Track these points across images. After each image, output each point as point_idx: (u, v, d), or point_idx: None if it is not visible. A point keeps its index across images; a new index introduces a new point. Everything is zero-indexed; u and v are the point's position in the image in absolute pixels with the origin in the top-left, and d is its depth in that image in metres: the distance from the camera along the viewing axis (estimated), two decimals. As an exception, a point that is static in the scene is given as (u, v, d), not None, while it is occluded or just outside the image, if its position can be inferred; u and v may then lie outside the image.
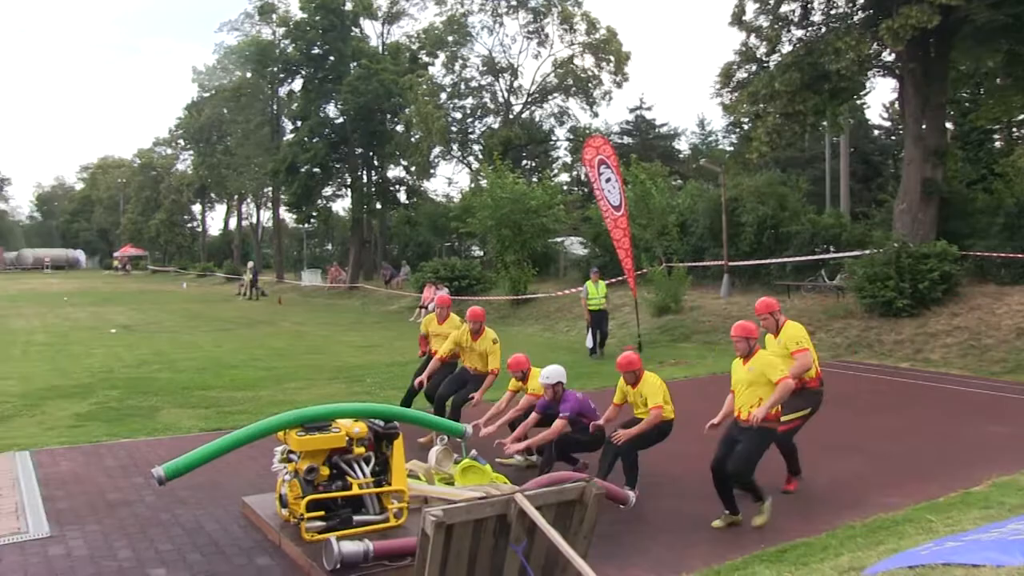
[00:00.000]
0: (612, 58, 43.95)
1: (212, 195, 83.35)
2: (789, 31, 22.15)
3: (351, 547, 6.18)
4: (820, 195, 34.34)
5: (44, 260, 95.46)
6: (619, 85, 45.13)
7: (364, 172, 51.10)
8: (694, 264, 26.62)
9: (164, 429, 11.56)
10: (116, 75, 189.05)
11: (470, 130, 48.05)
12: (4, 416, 12.84)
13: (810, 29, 21.99)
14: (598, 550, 6.04)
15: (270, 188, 60.92)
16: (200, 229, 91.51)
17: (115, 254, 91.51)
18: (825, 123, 25.44)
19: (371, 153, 49.98)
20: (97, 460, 9.93)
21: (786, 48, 22.14)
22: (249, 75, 58.45)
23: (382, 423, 7.30)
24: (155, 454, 8.56)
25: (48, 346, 22.43)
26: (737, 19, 22.74)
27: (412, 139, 45.99)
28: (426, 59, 48.81)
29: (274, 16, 54.43)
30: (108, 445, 10.74)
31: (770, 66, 22.17)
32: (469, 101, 47.54)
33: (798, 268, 25.33)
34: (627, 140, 53.48)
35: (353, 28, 49.85)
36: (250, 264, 49.72)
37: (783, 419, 7.72)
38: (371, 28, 52.16)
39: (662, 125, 56.02)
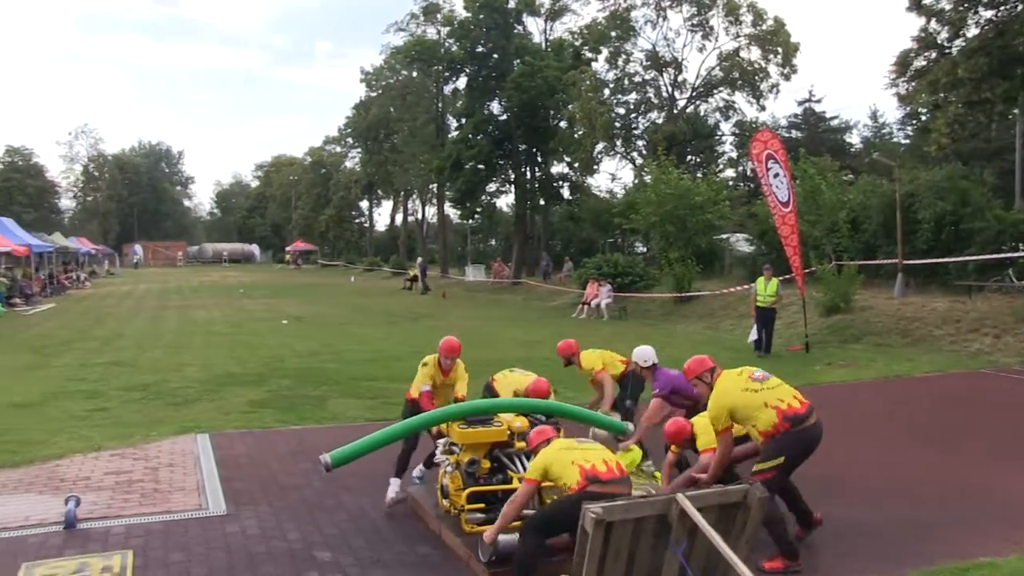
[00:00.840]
0: (780, 50, 42.66)
1: (379, 191, 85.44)
2: (976, 13, 20.85)
3: (508, 539, 6.20)
4: (1007, 190, 32.36)
5: (222, 254, 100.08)
6: (787, 77, 43.79)
7: (527, 168, 51.41)
8: (866, 262, 25.60)
9: (332, 418, 12.00)
10: (288, 77, 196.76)
11: (634, 125, 47.65)
12: (187, 400, 13.70)
13: (1002, 8, 20.63)
14: (755, 555, 5.88)
15: (435, 184, 62.01)
16: (367, 225, 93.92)
17: (287, 248, 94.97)
18: (1016, 111, 23.92)
19: (534, 149, 50.21)
20: (269, 445, 10.44)
21: (972, 32, 20.85)
22: (415, 74, 59.80)
23: (544, 418, 7.37)
24: (323, 441, 8.85)
25: (226, 336, 23.57)
26: (916, 4, 21.61)
27: (575, 135, 45.94)
28: (589, 55, 48.60)
29: (438, 16, 55.44)
30: (279, 431, 11.29)
31: (952, 52, 20.99)
32: (632, 96, 47.13)
33: (981, 267, 23.94)
34: (795, 134, 51.92)
35: (516, 25, 50.22)
36: (418, 260, 50.90)
37: (755, 468, 6.48)
38: (534, 25, 52.51)
39: (832, 118, 54.15)
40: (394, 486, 7.95)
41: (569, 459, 5.96)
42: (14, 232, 41.66)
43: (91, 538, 7.01)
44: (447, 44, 53.88)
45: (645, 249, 43.79)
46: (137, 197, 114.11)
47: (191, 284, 54.26)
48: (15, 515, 7.58)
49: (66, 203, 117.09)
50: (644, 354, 9.32)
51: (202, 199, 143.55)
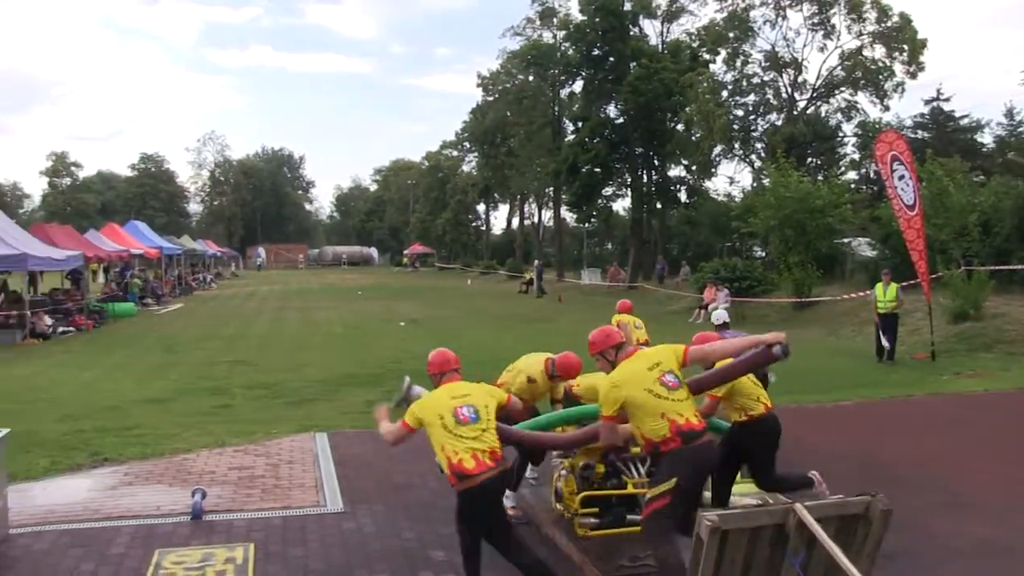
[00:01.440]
0: (905, 47, 41.25)
1: (496, 195, 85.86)
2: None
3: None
4: None
5: (341, 256, 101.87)
6: (913, 76, 42.27)
7: (644, 171, 51.15)
8: (998, 268, 24.62)
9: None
10: (406, 83, 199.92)
11: (752, 128, 46.85)
12: (307, 399, 14.18)
13: None
14: (878, 571, 5.67)
15: (551, 188, 62.14)
16: (484, 228, 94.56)
17: (405, 251, 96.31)
18: None
19: (651, 152, 49.93)
20: (385, 445, 10.52)
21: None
22: (531, 78, 59.98)
23: None
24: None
25: (344, 337, 24.14)
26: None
27: (693, 138, 45.50)
28: (706, 56, 48.04)
29: (554, 20, 55.63)
30: None
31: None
32: (751, 98, 46.36)
33: None
34: (922, 134, 50.03)
35: (632, 28, 50.05)
36: (535, 263, 51.09)
37: (648, 496, 5.75)
38: (650, 27, 52.21)
39: (962, 117, 51.92)
40: (510, 500, 7.77)
41: (658, 409, 5.55)
42: (147, 235, 43.59)
43: (215, 530, 7.33)
44: (563, 48, 54.09)
45: (763, 253, 43.05)
46: (260, 201, 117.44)
47: (311, 286, 55.63)
48: (148, 504, 8.03)
49: (194, 207, 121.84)
50: (719, 315, 11.10)
51: (322, 203, 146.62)
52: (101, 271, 39.52)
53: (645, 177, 51.24)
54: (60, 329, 25.86)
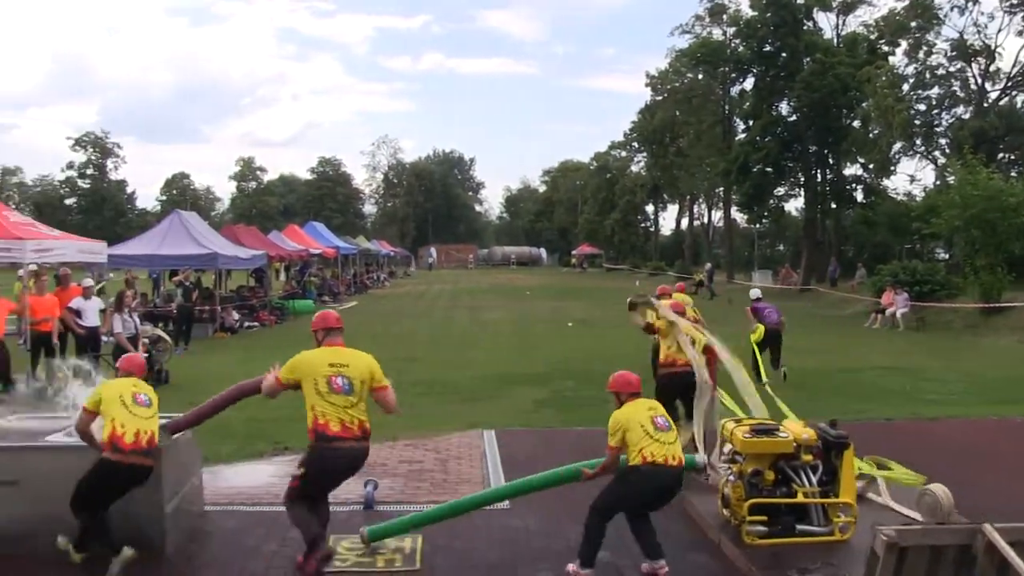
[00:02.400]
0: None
1: (664, 195, 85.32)
2: None
3: None
4: None
5: (510, 257, 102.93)
6: None
7: (818, 170, 49.58)
8: None
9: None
10: (574, 84, 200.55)
11: (935, 122, 44.25)
12: (476, 397, 14.42)
13: None
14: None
15: (721, 188, 61.12)
16: (652, 229, 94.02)
17: (573, 252, 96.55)
18: None
19: (826, 151, 48.34)
20: (551, 443, 10.67)
21: None
22: (700, 76, 59.13)
23: (831, 430, 7.06)
24: (600, 443, 8.74)
25: (512, 336, 24.30)
26: None
27: (870, 135, 43.68)
28: (885, 48, 46.05)
29: (724, 16, 54.64)
30: (562, 431, 11.55)
31: None
32: (935, 91, 43.69)
33: None
34: None
35: (806, 22, 48.54)
36: (707, 265, 50.36)
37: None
38: (825, 20, 50.53)
39: None
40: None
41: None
42: (324, 235, 45.16)
43: (386, 520, 7.45)
44: (733, 44, 53.03)
45: (947, 256, 40.98)
46: (432, 202, 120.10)
47: (480, 286, 56.38)
48: None
49: (369, 208, 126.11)
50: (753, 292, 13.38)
51: (492, 204, 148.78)
52: (282, 270, 41.10)
53: (819, 176, 49.68)
54: (246, 324, 27.16)
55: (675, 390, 9.77)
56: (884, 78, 40.92)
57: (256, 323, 27.92)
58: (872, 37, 47.62)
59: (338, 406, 6.21)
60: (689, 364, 9.26)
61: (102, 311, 15.68)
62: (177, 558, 6.74)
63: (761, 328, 16.36)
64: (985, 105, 41.34)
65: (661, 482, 6.31)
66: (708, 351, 9.62)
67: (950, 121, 43.27)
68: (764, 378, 14.18)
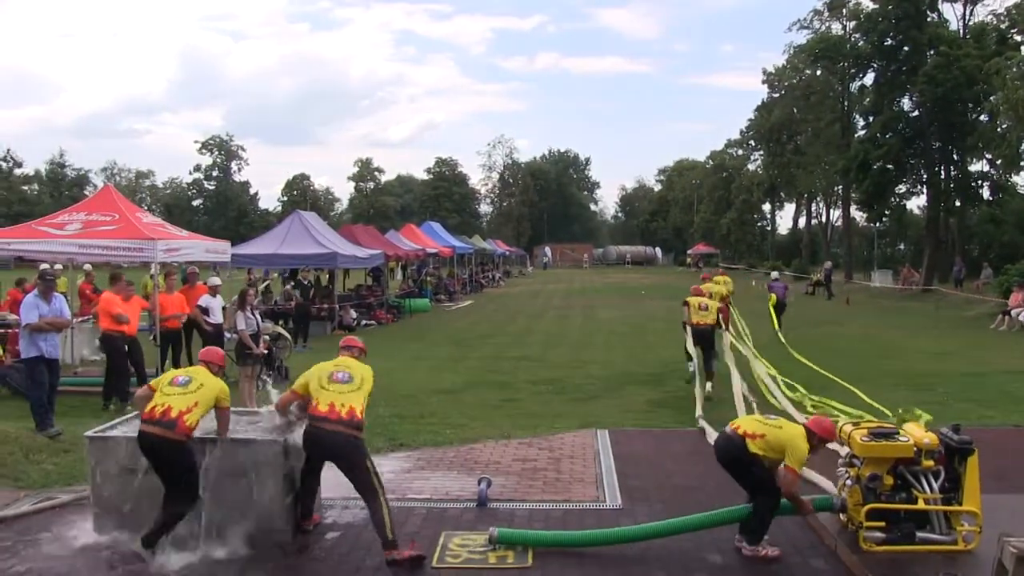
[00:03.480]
0: None
1: (781, 194, 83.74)
2: None
3: None
4: None
5: (625, 256, 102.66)
6: None
7: (941, 167, 47.93)
8: None
9: (723, 422, 11.90)
10: (689, 82, 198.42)
11: (1072, 115, 42.57)
12: (589, 396, 14.56)
13: None
14: None
15: (840, 186, 59.81)
16: (769, 228, 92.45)
17: (688, 251, 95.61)
18: None
19: (950, 147, 46.70)
20: (665, 444, 10.71)
21: None
22: (819, 72, 58.08)
23: (955, 435, 6.85)
24: (706, 444, 8.92)
25: (627, 336, 24.39)
26: None
27: (998, 129, 42.12)
28: (1017, 38, 44.26)
29: (844, 10, 53.42)
30: (676, 431, 11.54)
31: None
32: (1072, 81, 42.10)
33: None
34: None
35: (929, 13, 46.97)
36: (825, 264, 49.42)
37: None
38: (951, 11, 48.96)
39: None
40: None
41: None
42: (441, 235, 45.92)
43: (499, 517, 7.70)
44: (853, 39, 51.86)
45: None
46: (547, 202, 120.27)
47: (595, 285, 56.43)
48: (438, 489, 8.68)
49: (484, 208, 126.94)
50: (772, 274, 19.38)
51: (607, 203, 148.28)
52: (399, 269, 41.90)
53: (943, 173, 47.97)
54: (363, 322, 27.77)
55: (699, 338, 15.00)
56: (1015, 69, 39.34)
57: (373, 321, 28.52)
58: (1002, 27, 45.82)
59: (333, 392, 6.89)
60: (707, 322, 15.04)
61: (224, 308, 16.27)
62: (295, 549, 7.01)
63: (773, 297, 24.85)
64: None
65: None
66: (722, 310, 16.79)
67: (1087, 114, 41.38)
68: (776, 327, 22.98)
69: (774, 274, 33.25)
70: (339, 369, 7.13)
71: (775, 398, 12.96)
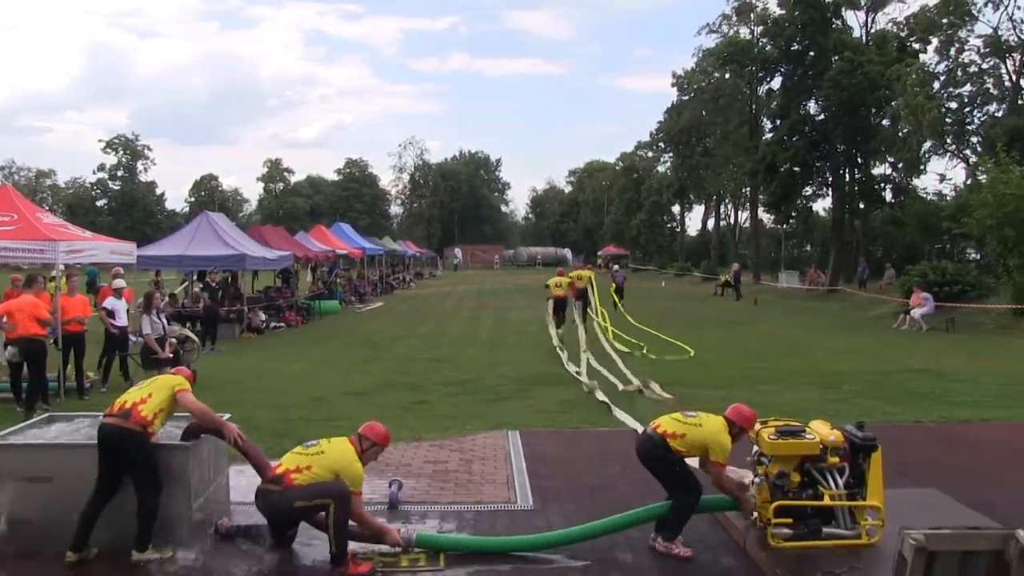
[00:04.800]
0: None
1: (691, 196, 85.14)
2: None
3: None
4: None
5: (536, 257, 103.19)
6: None
7: (846, 170, 49.05)
8: None
9: (641, 420, 11.65)
10: (600, 84, 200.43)
11: (967, 121, 43.64)
12: (501, 397, 14.32)
13: None
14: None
15: (748, 188, 60.84)
16: (679, 229, 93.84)
17: (598, 252, 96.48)
18: None
19: (854, 150, 47.81)
20: (577, 445, 10.57)
21: None
22: (727, 76, 58.92)
23: (859, 432, 6.93)
24: (629, 442, 8.71)
25: (538, 335, 24.13)
26: None
27: (900, 133, 43.14)
28: (916, 46, 45.51)
29: (752, 15, 54.38)
30: (588, 432, 11.42)
31: None
32: (967, 89, 43.05)
33: None
34: None
35: (834, 20, 48.05)
36: (734, 265, 50.14)
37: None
38: (854, 18, 50.04)
39: None
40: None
41: None
42: (351, 236, 45.36)
43: (410, 520, 7.58)
44: (761, 43, 52.74)
45: (978, 256, 40.40)
46: (458, 203, 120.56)
47: (506, 286, 56.49)
48: None
49: (395, 209, 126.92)
50: (615, 268, 30.47)
51: (518, 205, 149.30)
52: (309, 270, 41.27)
53: (847, 176, 49.11)
54: (272, 324, 27.27)
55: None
56: (914, 76, 40.35)
57: (283, 323, 28.02)
58: (902, 35, 47.06)
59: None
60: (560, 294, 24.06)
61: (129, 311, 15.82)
62: (203, 556, 6.73)
63: (613, 284, 32.89)
64: (1020, 102, 40.66)
65: None
66: (571, 287, 24.84)
67: (982, 119, 42.62)
68: (617, 301, 31.69)
69: (615, 267, 45.42)
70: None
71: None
